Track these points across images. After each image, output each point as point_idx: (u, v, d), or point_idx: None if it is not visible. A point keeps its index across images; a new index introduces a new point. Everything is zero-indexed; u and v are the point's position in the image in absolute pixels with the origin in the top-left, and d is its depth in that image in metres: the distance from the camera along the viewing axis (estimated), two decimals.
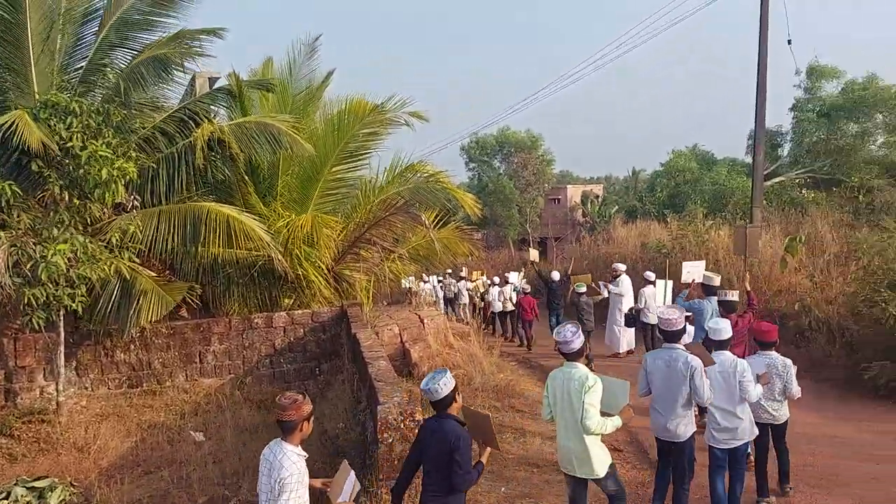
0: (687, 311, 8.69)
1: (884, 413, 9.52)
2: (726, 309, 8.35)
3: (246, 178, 13.30)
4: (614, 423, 5.06)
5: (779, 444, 6.70)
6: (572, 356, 5.16)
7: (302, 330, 13.25)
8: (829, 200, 23.69)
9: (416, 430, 5.31)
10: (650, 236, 20.53)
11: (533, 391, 11.09)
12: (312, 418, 4.49)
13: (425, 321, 11.98)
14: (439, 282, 22.27)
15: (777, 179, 26.62)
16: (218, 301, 13.30)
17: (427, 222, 14.33)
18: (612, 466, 5.20)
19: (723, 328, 5.88)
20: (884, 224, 12.35)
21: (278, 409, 4.41)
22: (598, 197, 49.34)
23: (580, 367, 5.17)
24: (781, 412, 6.68)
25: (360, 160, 15.07)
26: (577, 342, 5.14)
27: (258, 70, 15.75)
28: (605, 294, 14.25)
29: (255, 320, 12.93)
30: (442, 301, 21.87)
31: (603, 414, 5.02)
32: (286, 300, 13.98)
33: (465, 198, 15.37)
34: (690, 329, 7.39)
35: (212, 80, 16.20)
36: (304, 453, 4.45)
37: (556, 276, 16.46)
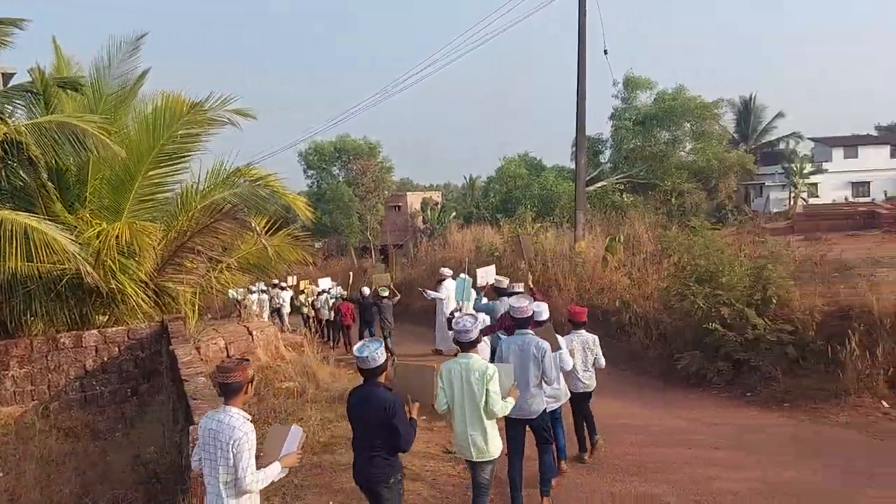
0: (484, 311, 9.72)
1: (695, 400, 10.15)
2: None
3: (48, 183, 12.07)
4: (510, 404, 5.43)
5: (586, 406, 7.85)
6: (468, 346, 5.41)
7: (117, 349, 12.18)
8: (646, 203, 25.42)
9: None
10: (484, 240, 20.99)
11: None
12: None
13: (254, 333, 11.42)
14: (263, 291, 21.59)
15: (599, 184, 28.21)
16: (17, 321, 11.98)
17: (258, 228, 13.69)
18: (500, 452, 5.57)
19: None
20: (691, 223, 13.28)
21: (222, 373, 4.37)
22: (437, 204, 50.23)
23: (477, 358, 5.42)
24: (592, 381, 7.89)
25: (178, 163, 14.08)
26: (475, 332, 5.40)
27: (69, 60, 14.37)
28: (427, 296, 14.41)
29: (62, 340, 11.73)
30: (267, 312, 21.01)
31: None
32: (100, 317, 12.85)
33: (297, 202, 14.91)
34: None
35: (7, 77, 14.65)
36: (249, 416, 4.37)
37: (365, 291, 16.79)
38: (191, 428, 5.72)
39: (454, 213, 39.14)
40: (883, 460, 7.19)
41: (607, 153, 30.53)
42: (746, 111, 59.17)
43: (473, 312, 7.52)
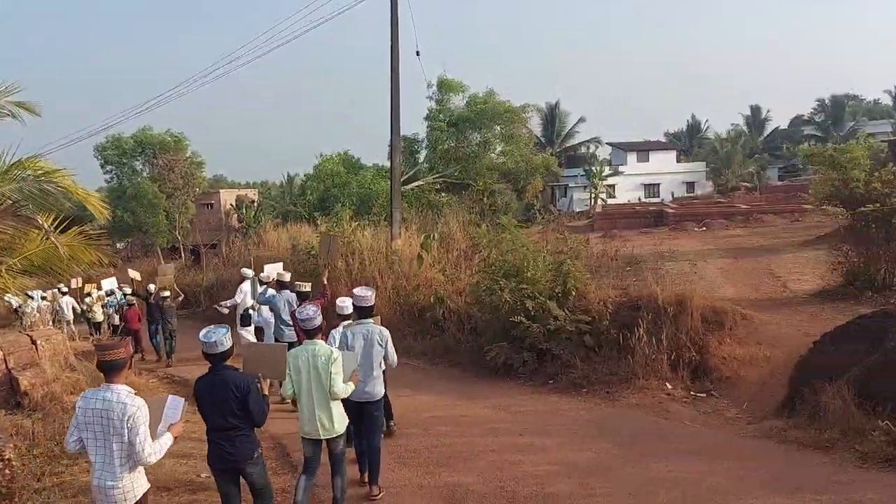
0: (265, 303, 11.23)
1: (503, 390, 10.62)
2: (301, 298, 10.15)
3: None
4: (351, 387, 5.87)
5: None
6: (313, 333, 5.84)
7: None
8: (460, 202, 26.18)
9: (7, 471, 5.40)
10: (301, 239, 20.64)
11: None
12: None
13: (38, 342, 10.44)
14: (43, 298, 20.00)
15: (416, 184, 28.69)
16: None
17: (46, 226, 12.52)
18: (347, 428, 6.05)
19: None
20: (500, 221, 13.88)
21: (103, 350, 4.41)
22: (253, 202, 48.63)
23: (322, 344, 5.83)
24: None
25: None
26: (318, 319, 5.84)
27: None
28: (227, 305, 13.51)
29: None
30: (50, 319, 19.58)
31: None
32: None
33: (90, 199, 13.84)
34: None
35: None
36: None
37: (151, 287, 16.63)
38: None
39: (274, 212, 38.02)
40: (666, 437, 7.94)
41: (423, 153, 31.11)
42: (552, 116, 63.17)
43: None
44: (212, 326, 5.10)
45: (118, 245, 45.20)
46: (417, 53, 18.69)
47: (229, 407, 4.96)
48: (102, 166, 41.87)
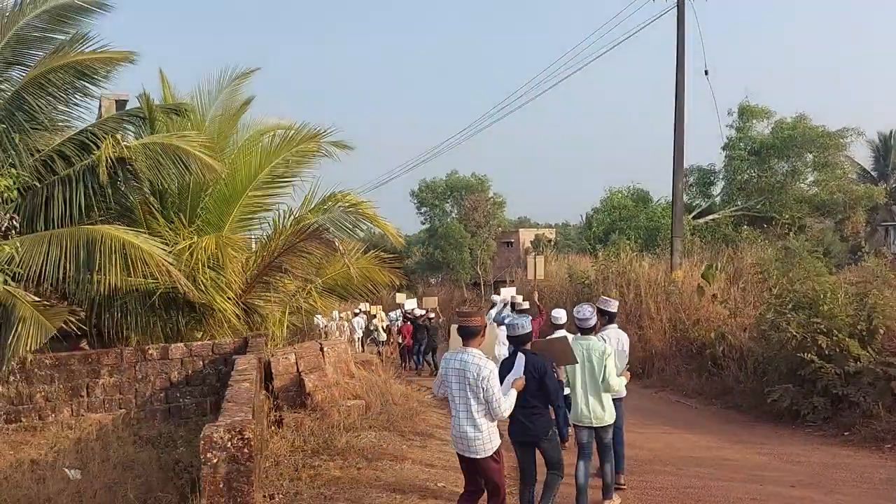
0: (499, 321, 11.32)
1: (787, 437, 9.20)
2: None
3: (151, 200, 12.71)
4: (623, 381, 6.39)
5: None
6: (588, 331, 6.32)
7: (201, 362, 12.49)
8: (763, 238, 23.84)
9: (245, 450, 5.46)
10: (576, 269, 20.36)
11: (434, 420, 10.62)
12: None
13: (325, 350, 11.41)
14: (340, 317, 22.89)
15: (710, 217, 26.83)
16: (115, 332, 12.57)
17: (341, 247, 13.81)
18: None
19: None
20: (788, 244, 12.24)
21: (462, 317, 5.18)
22: (550, 240, 49.57)
23: (595, 339, 6.34)
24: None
25: (280, 186, 14.61)
26: (594, 319, 6.38)
27: (173, 87, 15.25)
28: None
29: (150, 351, 12.15)
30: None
31: None
32: (194, 332, 13.30)
33: (388, 228, 15.14)
34: None
35: (120, 103, 15.68)
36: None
37: (418, 312, 19.03)
38: (206, 426, 5.65)
39: (570, 249, 38.42)
40: None
41: (720, 185, 29.03)
42: (885, 148, 55.03)
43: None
44: (513, 313, 6.08)
45: (431, 280, 49.04)
46: (706, 73, 17.52)
47: (529, 386, 5.37)
48: (418, 208, 46.12)
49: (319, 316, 25.75)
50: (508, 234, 51.29)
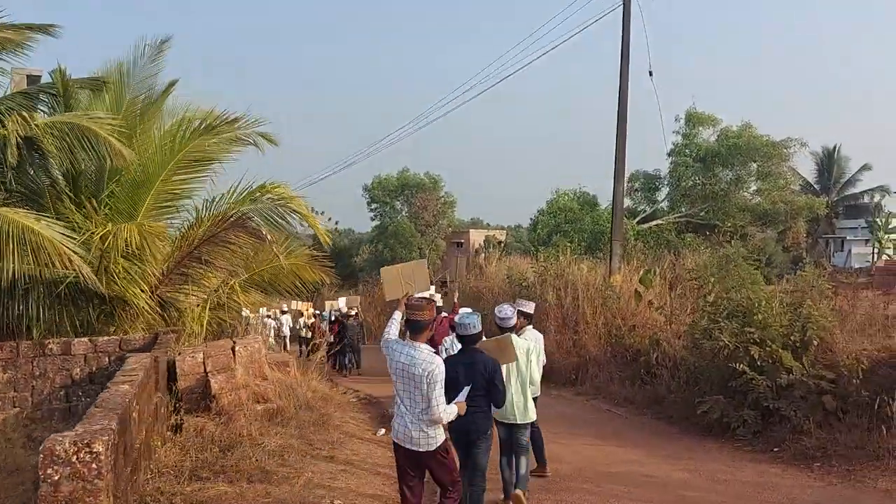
0: None
1: (715, 451, 8.78)
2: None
3: (60, 183, 11.74)
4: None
5: None
6: (509, 330, 6.35)
7: (107, 359, 11.49)
8: (706, 245, 23.79)
9: (94, 465, 4.79)
10: (515, 270, 19.85)
11: (349, 428, 9.97)
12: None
13: (237, 349, 10.64)
14: (267, 316, 22.61)
15: (654, 222, 26.74)
16: (15, 325, 11.56)
17: (269, 237, 13.03)
18: None
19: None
20: (725, 251, 11.91)
21: (412, 311, 4.93)
22: (500, 242, 49.29)
23: (517, 338, 6.45)
24: None
25: (199, 174, 13.73)
26: (514, 319, 6.44)
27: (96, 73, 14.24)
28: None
29: (50, 346, 11.15)
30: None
31: None
32: (107, 326, 12.36)
33: (317, 224, 14.53)
34: None
35: (32, 79, 14.60)
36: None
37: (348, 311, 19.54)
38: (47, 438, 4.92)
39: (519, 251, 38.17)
40: None
41: (664, 191, 29.03)
42: (829, 161, 56.07)
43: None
44: (466, 311, 6.10)
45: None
46: (650, 74, 17.14)
47: (476, 385, 5.28)
48: (369, 204, 45.48)
49: (264, 309, 25.02)
50: (459, 235, 50.95)
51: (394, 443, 5.10)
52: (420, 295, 11.83)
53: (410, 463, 5.02)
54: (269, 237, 13.12)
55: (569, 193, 28.66)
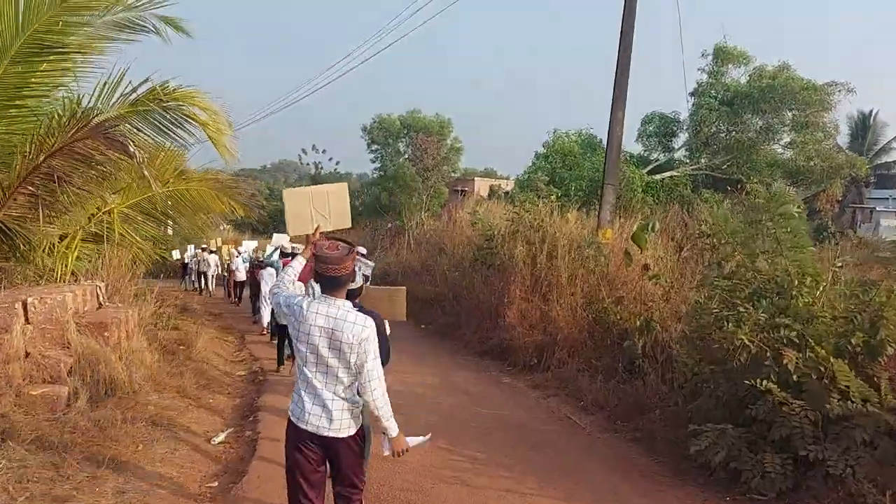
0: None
1: None
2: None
3: None
4: None
5: None
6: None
7: None
8: (729, 203, 20.08)
9: None
10: (483, 216, 16.30)
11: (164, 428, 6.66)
12: None
13: (31, 302, 7.32)
14: (192, 257, 20.69)
15: (669, 174, 23.00)
16: None
17: (136, 151, 9.56)
18: None
19: None
20: (750, 200, 8.26)
21: (324, 264, 3.72)
22: (506, 192, 45.75)
23: None
24: None
25: (51, 60, 10.38)
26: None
27: None
28: None
29: None
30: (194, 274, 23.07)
31: None
32: None
33: (218, 136, 11.22)
34: None
35: None
36: None
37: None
38: None
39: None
40: None
41: (682, 137, 25.07)
42: (864, 126, 51.42)
43: None
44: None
45: (388, 225, 45.33)
46: None
47: None
48: (368, 146, 42.23)
49: (192, 247, 22.57)
50: (463, 182, 47.72)
51: (292, 429, 3.87)
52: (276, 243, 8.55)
53: (317, 453, 3.86)
54: (136, 151, 9.73)
55: (570, 134, 24.81)
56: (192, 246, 22.37)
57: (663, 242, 11.52)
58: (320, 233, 4.42)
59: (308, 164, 53.39)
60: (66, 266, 10.74)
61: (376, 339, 3.71)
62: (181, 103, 10.71)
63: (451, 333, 13.75)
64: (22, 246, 10.18)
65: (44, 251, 10.55)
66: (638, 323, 9.20)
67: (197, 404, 7.89)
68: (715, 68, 23.57)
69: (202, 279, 22.39)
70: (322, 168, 51.14)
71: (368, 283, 10.72)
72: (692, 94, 23.73)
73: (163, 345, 10.10)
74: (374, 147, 42.91)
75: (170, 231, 14.41)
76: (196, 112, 10.84)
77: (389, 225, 31.60)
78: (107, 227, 11.40)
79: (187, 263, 23.33)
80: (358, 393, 3.79)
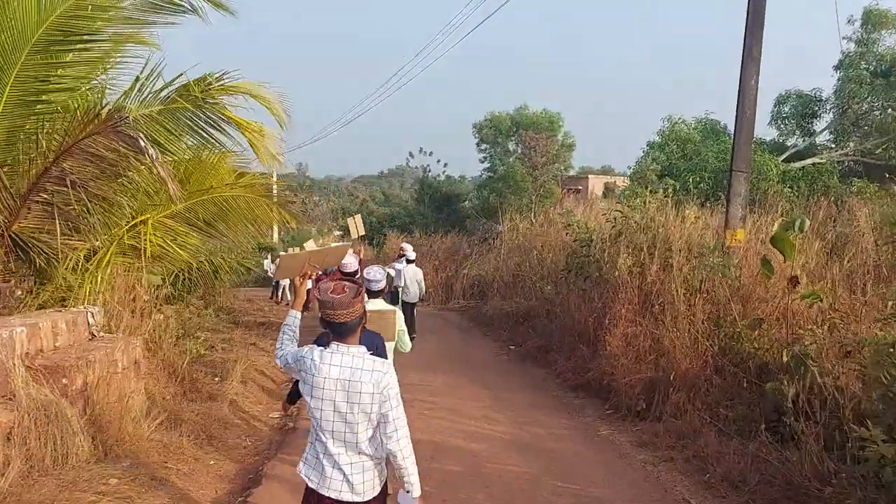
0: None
1: None
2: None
3: None
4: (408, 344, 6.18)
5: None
6: (375, 294, 5.85)
7: None
8: (885, 194, 16.68)
9: None
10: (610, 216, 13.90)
11: None
12: None
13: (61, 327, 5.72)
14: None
15: (810, 160, 19.66)
16: None
17: (149, 148, 8.07)
18: None
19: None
20: None
21: (332, 309, 3.31)
22: (623, 190, 42.92)
23: (375, 301, 5.84)
24: None
25: (86, 51, 9.27)
26: (383, 282, 5.97)
27: None
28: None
29: None
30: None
31: None
32: None
33: (259, 134, 10.16)
34: None
35: None
36: None
37: (350, 268, 16.59)
38: None
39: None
40: None
41: (826, 119, 21.54)
42: None
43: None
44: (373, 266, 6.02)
45: (497, 227, 43.98)
46: None
47: None
48: (478, 145, 40.89)
49: (267, 261, 21.80)
50: (577, 181, 45.34)
51: (313, 497, 3.42)
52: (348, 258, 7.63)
53: None
54: (150, 149, 8.30)
55: (688, 122, 21.81)
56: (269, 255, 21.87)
57: (813, 246, 8.77)
58: (313, 269, 4.06)
59: (416, 167, 52.39)
60: (96, 285, 9.39)
61: (397, 385, 3.36)
62: (231, 94, 9.43)
63: (541, 358, 11.54)
64: (39, 262, 8.87)
65: (67, 268, 9.23)
66: (785, 357, 6.62)
67: (187, 469, 6.06)
68: (865, 35, 20.05)
69: (278, 287, 22.24)
70: (429, 171, 49.85)
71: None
72: (837, 67, 20.25)
73: (183, 377, 8.47)
74: (484, 146, 41.52)
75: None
76: (250, 102, 9.71)
77: (481, 228, 29.57)
78: (143, 240, 10.09)
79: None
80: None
